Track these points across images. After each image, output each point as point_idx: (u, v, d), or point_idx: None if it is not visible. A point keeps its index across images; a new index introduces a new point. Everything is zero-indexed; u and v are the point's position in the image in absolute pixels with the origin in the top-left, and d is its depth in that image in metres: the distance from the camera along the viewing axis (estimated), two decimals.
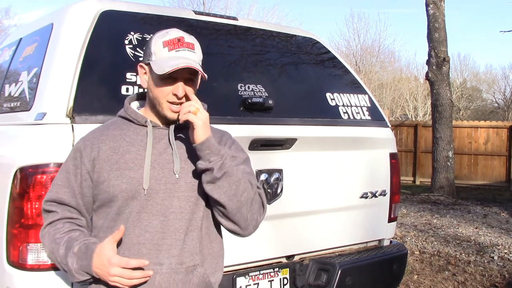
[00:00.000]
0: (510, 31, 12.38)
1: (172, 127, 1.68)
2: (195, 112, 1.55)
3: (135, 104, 1.79)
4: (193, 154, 1.67)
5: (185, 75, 1.62)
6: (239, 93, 2.55)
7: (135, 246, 1.62)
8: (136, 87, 2.25)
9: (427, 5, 11.21)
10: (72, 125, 2.04)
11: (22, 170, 1.97)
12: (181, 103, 1.63)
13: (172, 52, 1.61)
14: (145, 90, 1.72)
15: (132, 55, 2.31)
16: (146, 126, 1.68)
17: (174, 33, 1.65)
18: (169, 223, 1.63)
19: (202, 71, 1.61)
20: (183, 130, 1.70)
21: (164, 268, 1.62)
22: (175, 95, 1.61)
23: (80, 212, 1.68)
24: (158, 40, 1.64)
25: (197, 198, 1.67)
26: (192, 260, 1.66)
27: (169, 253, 1.63)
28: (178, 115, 1.63)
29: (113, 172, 1.63)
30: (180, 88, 1.61)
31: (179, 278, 1.63)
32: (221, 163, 1.58)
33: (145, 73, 1.69)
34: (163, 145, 1.67)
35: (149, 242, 1.62)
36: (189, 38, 1.67)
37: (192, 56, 1.63)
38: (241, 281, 2.49)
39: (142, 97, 1.80)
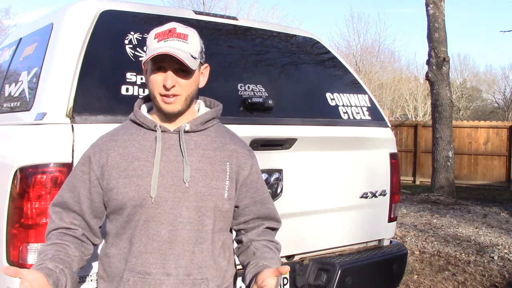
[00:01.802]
0: (510, 31, 12.42)
1: (182, 132, 1.63)
2: None
3: (144, 107, 1.74)
4: (204, 163, 1.64)
5: (174, 65, 1.57)
6: (239, 93, 2.55)
7: (142, 255, 1.59)
8: (136, 87, 2.25)
9: (427, 5, 11.21)
10: (72, 125, 2.03)
11: (22, 170, 1.97)
12: (173, 95, 1.58)
13: (160, 42, 1.58)
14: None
15: (132, 55, 2.31)
16: (156, 131, 1.63)
17: (168, 25, 1.62)
18: (177, 233, 1.58)
19: (183, 59, 1.54)
20: (195, 135, 1.67)
21: (171, 279, 1.58)
22: (164, 86, 1.57)
23: (83, 218, 1.65)
24: (152, 34, 1.63)
25: (206, 209, 1.62)
26: (200, 273, 1.61)
27: (177, 263, 1.58)
28: (174, 107, 1.59)
29: (122, 179, 1.59)
30: (169, 78, 1.57)
31: None
32: None
33: (146, 69, 1.65)
34: (173, 151, 1.62)
35: (157, 252, 1.58)
36: (184, 29, 1.62)
37: (181, 46, 1.58)
38: (241, 281, 2.48)
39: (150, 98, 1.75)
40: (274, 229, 1.82)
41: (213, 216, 1.63)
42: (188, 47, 1.60)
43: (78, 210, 1.64)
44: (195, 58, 1.61)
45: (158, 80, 1.59)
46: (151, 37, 1.62)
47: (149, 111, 1.73)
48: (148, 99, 1.75)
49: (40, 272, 1.46)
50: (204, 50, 1.69)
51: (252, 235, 1.75)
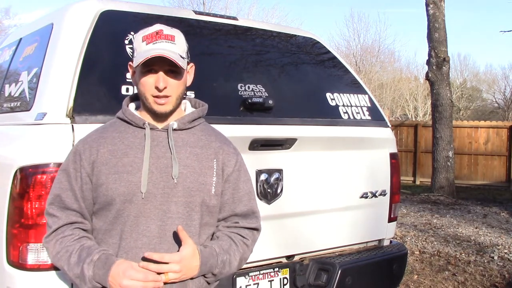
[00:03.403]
0: (510, 31, 12.40)
1: (170, 129, 1.67)
2: (167, 280, 1.52)
3: (132, 105, 1.78)
4: (192, 159, 1.67)
5: (165, 67, 1.61)
6: (239, 93, 2.55)
7: (133, 250, 1.62)
8: (136, 87, 2.25)
9: (427, 5, 11.21)
10: (72, 125, 2.03)
11: (22, 170, 1.97)
12: (165, 96, 1.62)
13: (149, 45, 1.61)
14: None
15: (132, 55, 2.31)
16: (144, 129, 1.67)
17: (154, 27, 1.66)
18: (167, 228, 1.63)
19: (176, 60, 1.59)
20: (182, 133, 1.70)
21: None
22: (157, 87, 1.61)
23: (83, 215, 1.68)
24: (139, 36, 1.66)
25: (194, 204, 1.66)
26: None
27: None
28: (166, 107, 1.64)
29: (111, 175, 1.62)
30: (160, 79, 1.61)
31: (176, 283, 1.62)
32: (215, 279, 1.68)
33: (134, 71, 1.70)
34: (162, 148, 1.66)
35: (147, 247, 1.61)
36: (170, 31, 1.66)
37: (170, 47, 1.61)
38: (241, 281, 2.48)
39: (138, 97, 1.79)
40: (252, 229, 1.81)
41: (200, 211, 1.67)
42: (176, 47, 1.64)
43: (77, 208, 1.66)
44: (183, 58, 1.65)
45: (150, 82, 1.62)
46: (138, 40, 1.65)
47: (136, 109, 1.77)
48: (135, 97, 1.80)
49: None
50: (188, 49, 1.72)
51: (223, 228, 1.77)
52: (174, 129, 1.69)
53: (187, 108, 1.80)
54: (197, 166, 1.68)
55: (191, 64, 1.76)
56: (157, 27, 1.65)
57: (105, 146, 1.66)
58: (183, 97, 1.72)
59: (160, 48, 1.59)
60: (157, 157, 1.64)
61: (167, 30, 1.65)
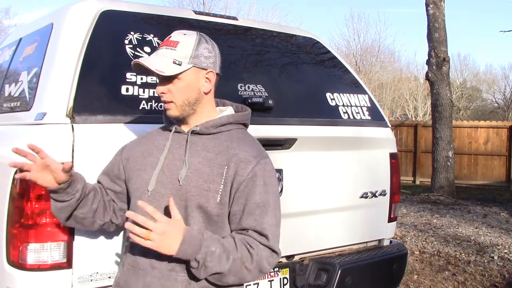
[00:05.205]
0: (510, 31, 12.42)
1: (189, 132, 1.70)
2: (147, 238, 1.45)
3: None
4: (204, 164, 1.65)
5: (157, 74, 1.66)
6: (239, 93, 2.55)
7: (134, 246, 1.63)
8: (136, 87, 2.25)
9: (427, 5, 11.21)
10: (72, 125, 2.03)
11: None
12: (165, 101, 1.68)
13: (155, 51, 1.69)
14: None
15: (132, 55, 2.31)
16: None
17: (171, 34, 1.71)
18: None
19: (148, 66, 1.62)
20: (206, 138, 1.70)
21: (155, 272, 1.62)
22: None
23: (116, 195, 1.83)
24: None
25: (191, 209, 1.62)
26: (183, 270, 1.60)
27: (160, 257, 1.58)
28: (171, 112, 1.69)
29: (135, 172, 1.74)
30: (158, 86, 1.69)
31: (168, 284, 1.61)
32: (200, 268, 1.52)
33: None
34: (181, 151, 1.69)
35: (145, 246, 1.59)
36: (177, 37, 1.66)
37: (166, 53, 1.63)
38: None
39: None
40: (265, 246, 1.61)
41: (200, 218, 1.62)
42: (174, 53, 1.62)
43: (106, 186, 1.83)
44: (178, 63, 1.61)
45: (157, 88, 1.71)
46: None
47: None
48: None
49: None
50: (205, 55, 1.68)
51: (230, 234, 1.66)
52: (198, 133, 1.70)
53: (225, 113, 1.78)
54: (206, 172, 1.63)
55: (209, 70, 1.70)
56: (172, 33, 1.70)
57: (140, 145, 1.79)
58: (199, 102, 1.69)
59: (158, 54, 1.65)
60: (173, 158, 1.69)
61: (175, 36, 1.67)
